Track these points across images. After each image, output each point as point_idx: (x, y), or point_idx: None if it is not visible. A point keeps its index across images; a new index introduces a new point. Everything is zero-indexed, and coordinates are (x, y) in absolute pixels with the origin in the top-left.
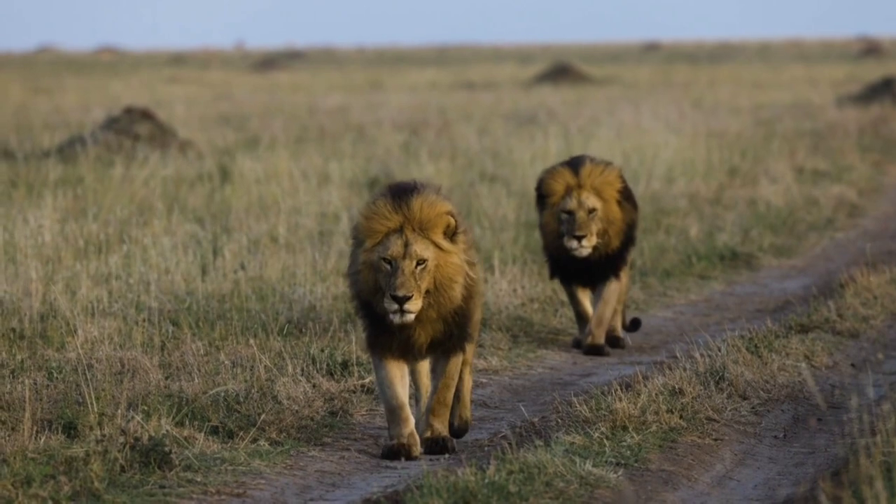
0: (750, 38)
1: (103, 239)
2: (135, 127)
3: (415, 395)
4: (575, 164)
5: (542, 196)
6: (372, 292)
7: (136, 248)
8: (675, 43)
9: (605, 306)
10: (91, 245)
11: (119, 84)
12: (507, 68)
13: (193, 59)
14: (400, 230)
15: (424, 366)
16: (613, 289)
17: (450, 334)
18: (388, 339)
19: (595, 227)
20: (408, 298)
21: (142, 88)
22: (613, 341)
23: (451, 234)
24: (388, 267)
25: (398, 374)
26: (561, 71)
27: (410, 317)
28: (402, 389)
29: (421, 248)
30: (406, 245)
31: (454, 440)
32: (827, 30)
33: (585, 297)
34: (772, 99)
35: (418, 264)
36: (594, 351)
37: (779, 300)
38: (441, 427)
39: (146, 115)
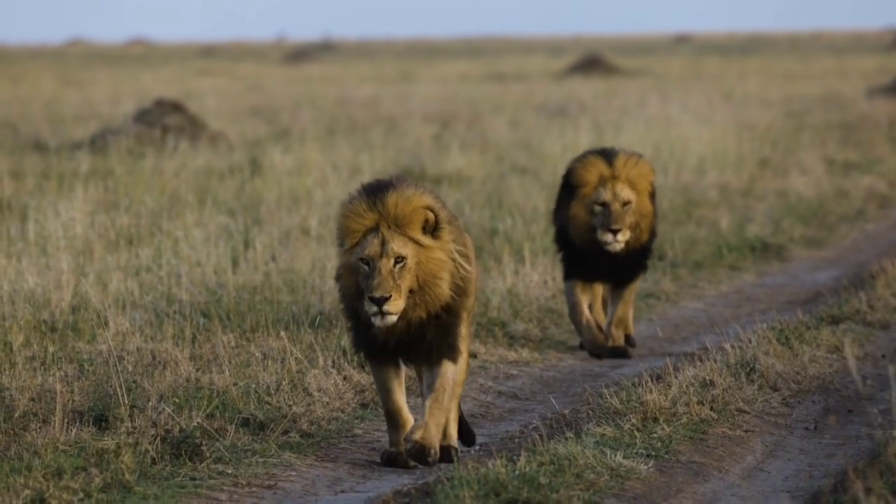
0: (780, 30)
1: (134, 231)
2: (165, 119)
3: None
4: (608, 153)
5: (572, 186)
6: (354, 296)
7: (167, 241)
8: (706, 35)
9: (626, 307)
10: (122, 237)
11: (150, 76)
12: (538, 60)
13: (224, 51)
14: (376, 229)
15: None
16: (633, 288)
17: (435, 335)
18: (373, 342)
19: (629, 220)
20: (385, 299)
21: (172, 81)
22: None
23: (431, 229)
24: (366, 268)
25: (395, 377)
26: (592, 63)
27: (392, 318)
28: (400, 393)
29: (398, 246)
30: (383, 244)
31: (438, 454)
32: (857, 21)
33: (586, 301)
34: (802, 91)
35: (396, 262)
36: (617, 353)
37: (809, 291)
38: (435, 431)
39: (177, 107)
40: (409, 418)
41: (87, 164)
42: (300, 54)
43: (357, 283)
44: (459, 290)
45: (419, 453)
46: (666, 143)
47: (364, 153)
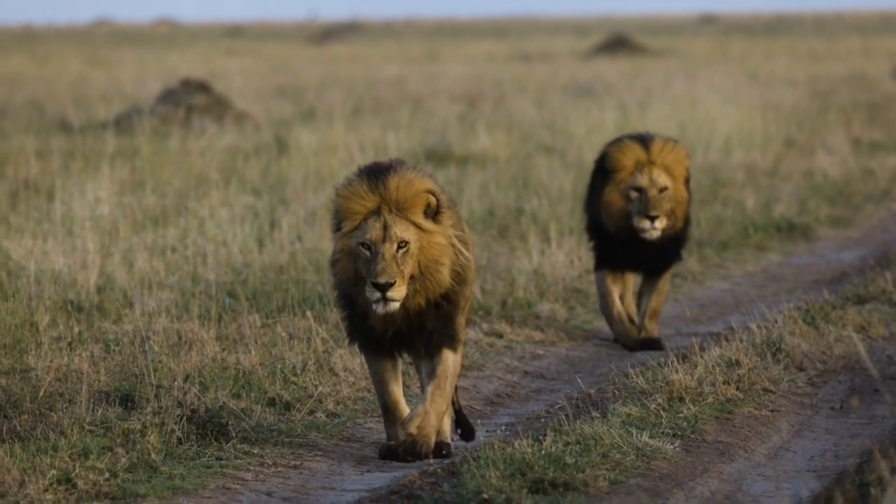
0: (806, 9)
1: (160, 211)
2: (191, 99)
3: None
4: (644, 138)
5: (607, 170)
6: (352, 282)
7: (192, 221)
8: (732, 15)
9: (659, 297)
10: (148, 217)
11: (176, 56)
12: (564, 40)
13: (251, 31)
14: (378, 212)
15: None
16: (666, 278)
17: (434, 324)
18: (369, 332)
19: (666, 206)
20: (390, 285)
21: (198, 60)
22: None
23: (432, 214)
24: (368, 253)
25: (391, 369)
26: (617, 43)
27: (395, 305)
28: (396, 385)
29: (401, 230)
30: (385, 228)
31: (431, 451)
32: (883, 1)
33: (617, 291)
34: (828, 71)
35: (399, 247)
36: (649, 345)
37: (835, 271)
38: (427, 427)
39: (203, 87)
40: (405, 411)
41: (113, 144)
42: (327, 34)
43: (356, 269)
44: (458, 278)
45: (411, 447)
46: (692, 123)
47: (390, 133)
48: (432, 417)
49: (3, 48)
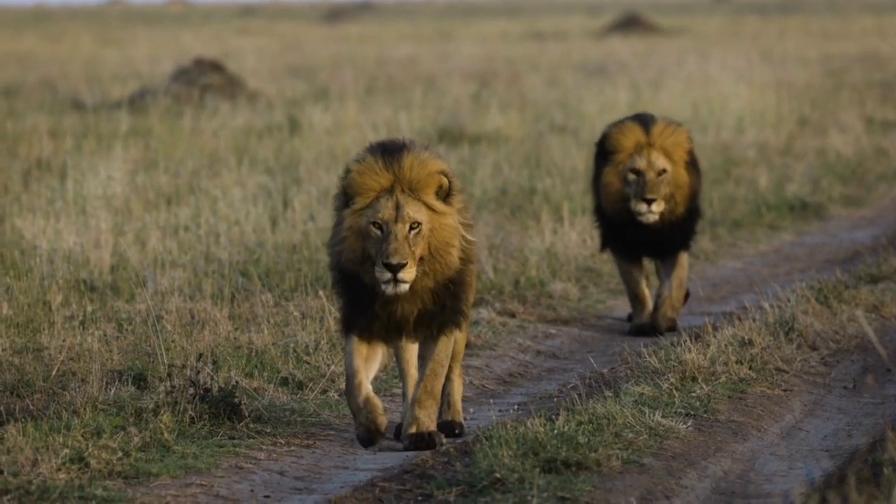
0: None
1: (173, 190)
2: (204, 78)
3: (402, 389)
4: (645, 120)
5: (607, 152)
6: (359, 262)
7: (205, 200)
8: None
9: (676, 283)
10: (161, 196)
11: (189, 36)
12: (577, 19)
13: (264, 10)
14: (390, 191)
15: (412, 352)
16: (683, 263)
17: (442, 307)
18: (370, 317)
19: (664, 190)
20: (402, 266)
21: (211, 40)
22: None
23: (444, 195)
24: (379, 232)
25: (366, 359)
26: (630, 22)
27: (405, 287)
28: (367, 378)
29: (413, 210)
30: (398, 207)
31: (442, 436)
32: None
33: (642, 277)
34: (841, 49)
35: (411, 228)
36: (671, 329)
37: (848, 250)
38: (427, 420)
39: (216, 67)
40: (377, 403)
41: (126, 124)
42: (339, 14)
43: (364, 248)
44: (464, 259)
45: (420, 444)
46: (704, 102)
47: (403, 112)
48: (424, 421)
49: (17, 27)
